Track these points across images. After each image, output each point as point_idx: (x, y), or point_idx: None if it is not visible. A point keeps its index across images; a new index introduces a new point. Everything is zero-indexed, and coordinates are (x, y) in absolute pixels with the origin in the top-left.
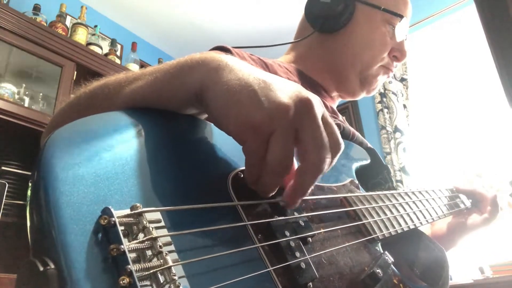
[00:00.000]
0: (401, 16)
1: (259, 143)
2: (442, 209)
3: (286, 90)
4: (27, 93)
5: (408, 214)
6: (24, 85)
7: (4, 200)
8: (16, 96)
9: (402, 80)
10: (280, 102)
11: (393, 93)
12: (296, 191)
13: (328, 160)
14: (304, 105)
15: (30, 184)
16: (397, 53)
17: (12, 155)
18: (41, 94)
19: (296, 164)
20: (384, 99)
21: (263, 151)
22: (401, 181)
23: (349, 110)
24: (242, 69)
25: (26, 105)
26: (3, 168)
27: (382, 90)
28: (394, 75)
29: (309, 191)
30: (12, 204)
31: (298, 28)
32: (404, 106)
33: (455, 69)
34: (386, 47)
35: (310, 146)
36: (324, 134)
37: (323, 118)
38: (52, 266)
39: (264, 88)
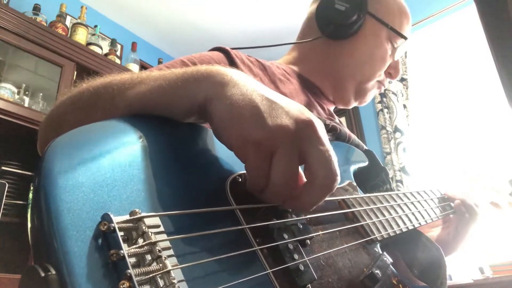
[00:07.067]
0: (406, 38)
1: (261, 160)
2: (440, 209)
3: (289, 109)
4: (27, 93)
5: (406, 215)
6: (24, 85)
7: (4, 200)
8: (16, 96)
9: (402, 80)
10: (282, 121)
11: (393, 93)
12: (302, 209)
13: (338, 178)
14: (306, 126)
15: (31, 187)
16: (392, 70)
17: (12, 155)
18: (41, 94)
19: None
20: (384, 99)
21: (266, 168)
22: (401, 181)
23: (349, 110)
24: (247, 84)
25: (26, 105)
26: (3, 168)
27: (382, 90)
28: None
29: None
30: (12, 204)
31: (302, 28)
32: (404, 106)
33: (455, 69)
34: (385, 64)
35: (317, 166)
36: (331, 152)
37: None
38: (53, 271)
39: (267, 106)
